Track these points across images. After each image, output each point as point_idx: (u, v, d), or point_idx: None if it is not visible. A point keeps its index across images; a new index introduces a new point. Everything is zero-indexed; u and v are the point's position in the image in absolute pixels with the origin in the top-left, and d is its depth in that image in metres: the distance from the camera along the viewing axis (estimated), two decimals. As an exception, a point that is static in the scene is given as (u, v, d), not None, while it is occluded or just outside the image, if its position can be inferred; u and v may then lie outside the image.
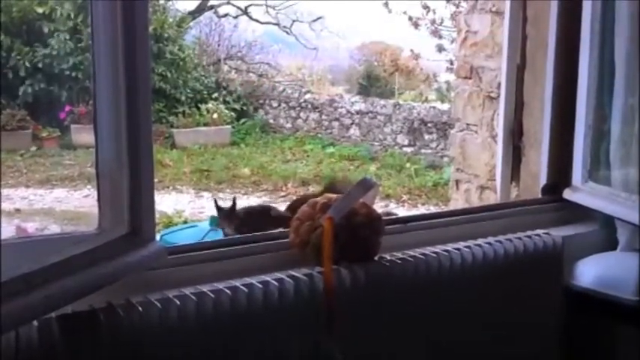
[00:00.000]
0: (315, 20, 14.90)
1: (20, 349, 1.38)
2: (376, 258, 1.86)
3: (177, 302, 1.57)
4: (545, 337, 2.13)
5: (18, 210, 7.72)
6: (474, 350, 2.00)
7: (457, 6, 9.99)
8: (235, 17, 14.16)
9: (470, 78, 3.10)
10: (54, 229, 7.22)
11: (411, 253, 1.92)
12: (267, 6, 14.52)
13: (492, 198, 2.86)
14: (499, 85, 2.74)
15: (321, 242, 1.74)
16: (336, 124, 11.65)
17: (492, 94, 2.94)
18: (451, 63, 10.19)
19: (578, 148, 2.30)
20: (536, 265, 2.09)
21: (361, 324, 1.80)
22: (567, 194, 2.34)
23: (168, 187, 8.83)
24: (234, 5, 14.33)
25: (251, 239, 1.87)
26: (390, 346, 1.85)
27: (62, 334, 1.43)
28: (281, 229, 1.95)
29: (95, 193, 1.60)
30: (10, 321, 1.30)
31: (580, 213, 2.34)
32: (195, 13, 13.71)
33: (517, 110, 2.60)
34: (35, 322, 1.40)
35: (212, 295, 1.61)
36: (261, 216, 1.93)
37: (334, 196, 1.86)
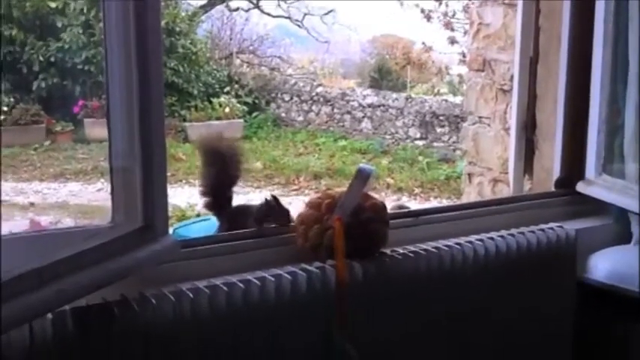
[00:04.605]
0: (326, 13, 14.89)
1: (34, 341, 1.39)
2: (388, 251, 1.86)
3: (191, 295, 1.57)
4: (558, 330, 2.13)
5: (32, 204, 7.77)
6: (486, 343, 2.00)
7: (469, -2, 9.94)
8: (247, 11, 14.17)
9: (482, 71, 3.08)
10: (67, 222, 7.27)
11: (424, 246, 1.92)
12: (278, -1, 14.52)
13: (505, 191, 2.85)
14: (512, 77, 2.73)
15: (334, 243, 1.74)
16: (347, 117, 11.64)
17: (505, 87, 2.93)
18: (463, 55, 10.16)
19: (591, 141, 2.29)
20: (549, 258, 2.08)
21: (373, 317, 1.80)
22: (581, 187, 2.33)
23: (181, 181, 8.85)
24: (245, -1, 14.34)
25: (264, 233, 1.87)
26: (403, 340, 1.85)
27: (76, 326, 1.44)
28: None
29: (108, 187, 1.61)
30: (24, 314, 1.31)
31: (593, 206, 2.33)
32: (207, 7, 13.71)
33: (530, 103, 2.58)
34: (49, 315, 1.42)
35: (225, 289, 1.61)
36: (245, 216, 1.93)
37: (337, 194, 1.84)
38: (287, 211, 1.90)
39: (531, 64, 2.57)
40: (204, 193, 1.98)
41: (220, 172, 1.96)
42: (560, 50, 2.38)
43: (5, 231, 2.06)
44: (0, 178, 7.86)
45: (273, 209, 1.88)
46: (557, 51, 2.41)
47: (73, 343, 1.44)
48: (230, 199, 1.99)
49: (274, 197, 1.90)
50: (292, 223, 1.87)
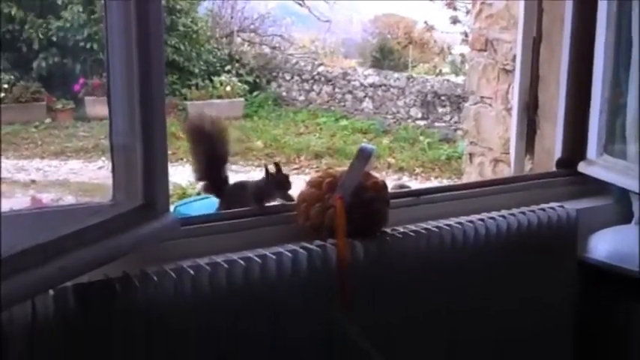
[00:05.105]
0: (328, -8, 14.77)
1: (36, 317, 1.40)
2: (389, 230, 1.86)
3: (192, 272, 1.58)
4: (558, 310, 2.14)
5: (33, 181, 7.79)
6: (486, 323, 2.01)
7: (472, -23, 9.86)
8: (248, -11, 14.06)
9: (485, 50, 3.07)
10: (69, 200, 7.28)
11: (425, 225, 1.92)
12: (280, -22, 14.40)
13: (506, 171, 2.85)
14: (514, 57, 2.71)
15: (335, 222, 1.74)
16: (349, 97, 11.60)
17: (507, 67, 2.91)
18: (466, 35, 10.08)
19: (593, 121, 2.29)
20: (550, 238, 2.09)
21: (374, 296, 1.80)
22: (582, 167, 2.33)
23: (182, 159, 8.83)
24: (247, -23, 14.22)
25: (264, 211, 1.87)
26: (403, 319, 1.86)
27: (78, 303, 1.45)
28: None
29: (109, 165, 1.61)
30: (26, 290, 1.31)
31: (595, 186, 2.33)
32: (208, -15, 13.62)
33: (532, 83, 2.58)
34: (51, 291, 1.42)
35: (226, 266, 1.62)
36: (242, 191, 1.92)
37: (338, 173, 1.84)
38: (286, 176, 1.90)
39: (534, 45, 2.55)
40: (199, 178, 1.98)
41: (208, 150, 1.95)
42: (564, 31, 2.37)
43: (6, 208, 2.06)
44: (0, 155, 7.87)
45: (273, 178, 1.88)
46: (560, 32, 2.39)
47: (75, 319, 1.44)
48: (226, 179, 1.98)
49: (276, 164, 1.91)
50: (293, 196, 1.88)
